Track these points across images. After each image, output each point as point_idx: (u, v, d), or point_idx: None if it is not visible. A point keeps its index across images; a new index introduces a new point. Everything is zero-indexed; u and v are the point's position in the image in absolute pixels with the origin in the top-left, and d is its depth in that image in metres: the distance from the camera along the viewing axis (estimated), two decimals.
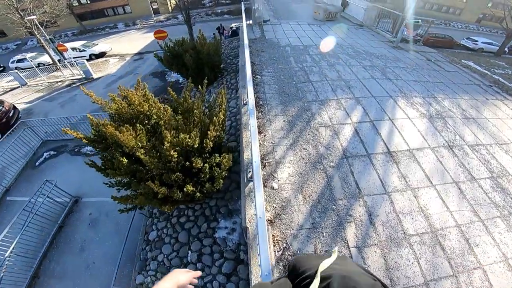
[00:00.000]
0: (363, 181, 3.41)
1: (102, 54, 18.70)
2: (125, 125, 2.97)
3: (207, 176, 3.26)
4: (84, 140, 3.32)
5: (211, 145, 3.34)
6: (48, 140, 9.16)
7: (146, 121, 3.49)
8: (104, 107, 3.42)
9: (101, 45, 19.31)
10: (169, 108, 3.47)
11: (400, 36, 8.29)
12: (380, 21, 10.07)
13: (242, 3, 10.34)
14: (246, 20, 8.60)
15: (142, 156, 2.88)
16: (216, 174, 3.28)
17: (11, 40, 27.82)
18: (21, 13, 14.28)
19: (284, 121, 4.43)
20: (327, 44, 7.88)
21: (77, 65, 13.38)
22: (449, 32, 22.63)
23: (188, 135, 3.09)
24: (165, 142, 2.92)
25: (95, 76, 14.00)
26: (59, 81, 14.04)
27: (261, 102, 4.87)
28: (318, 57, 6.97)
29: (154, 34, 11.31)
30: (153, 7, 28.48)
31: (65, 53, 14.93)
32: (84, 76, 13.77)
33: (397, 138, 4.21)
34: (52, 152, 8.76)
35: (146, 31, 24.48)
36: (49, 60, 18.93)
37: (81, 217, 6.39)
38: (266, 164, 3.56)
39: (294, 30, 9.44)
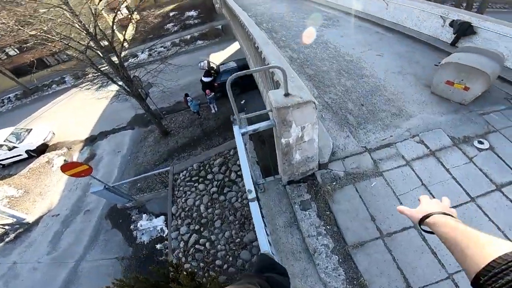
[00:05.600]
0: None
1: (43, 147, 13.22)
2: None
3: None
4: None
5: None
6: None
7: None
8: None
9: (38, 131, 13.70)
10: None
11: None
12: None
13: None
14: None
15: None
16: None
17: None
18: None
19: None
20: None
21: None
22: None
23: None
24: None
25: (29, 218, 8.87)
26: None
27: None
28: None
29: (61, 168, 5.91)
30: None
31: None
32: (15, 220, 8.63)
33: None
34: None
35: (101, 83, 18.49)
36: None
37: None
38: None
39: None
